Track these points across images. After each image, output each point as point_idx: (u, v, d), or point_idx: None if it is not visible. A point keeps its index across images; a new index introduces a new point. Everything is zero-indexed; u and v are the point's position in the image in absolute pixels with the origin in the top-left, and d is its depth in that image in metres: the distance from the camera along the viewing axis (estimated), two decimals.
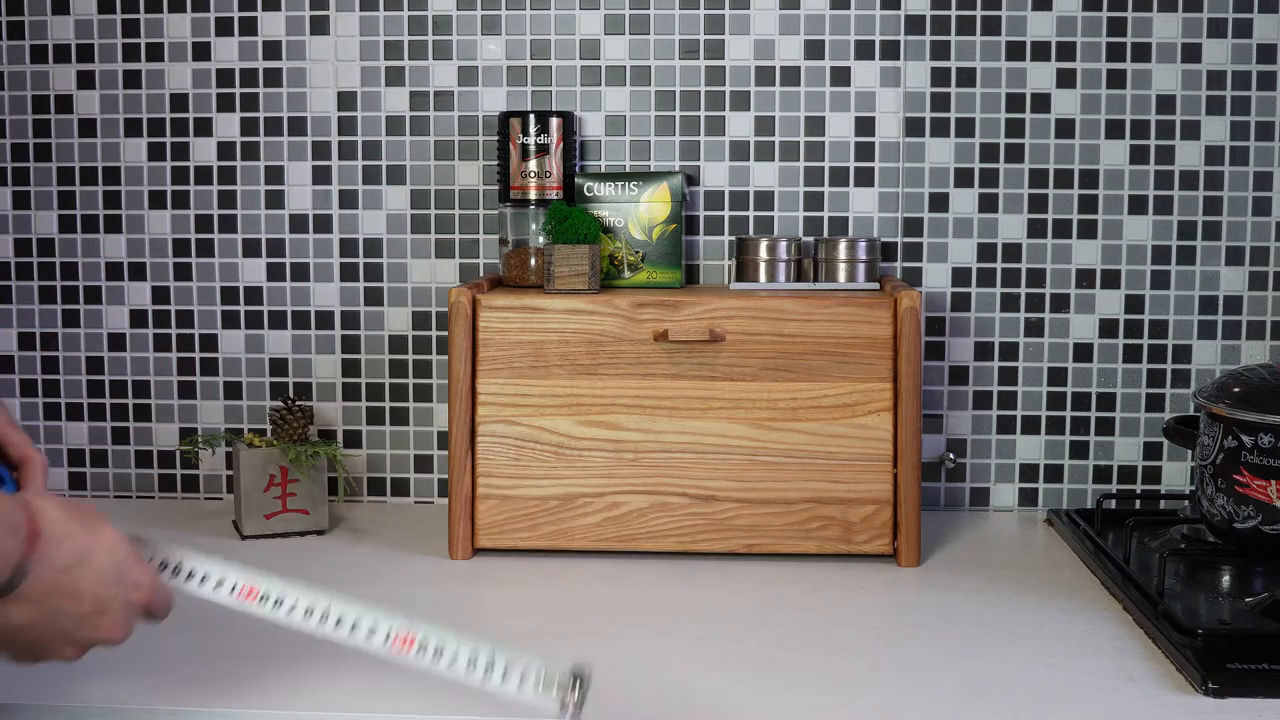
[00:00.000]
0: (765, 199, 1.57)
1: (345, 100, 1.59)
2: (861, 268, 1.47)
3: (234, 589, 0.93)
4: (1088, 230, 1.55)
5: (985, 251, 1.56)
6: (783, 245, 1.47)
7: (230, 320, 1.62)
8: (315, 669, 1.08)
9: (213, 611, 1.21)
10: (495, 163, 1.57)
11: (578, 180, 1.49)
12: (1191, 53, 1.53)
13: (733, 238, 1.57)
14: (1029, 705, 1.01)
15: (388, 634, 0.91)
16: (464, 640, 0.90)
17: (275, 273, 1.61)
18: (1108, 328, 1.56)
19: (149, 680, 1.05)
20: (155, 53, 1.59)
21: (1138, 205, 1.55)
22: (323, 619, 0.92)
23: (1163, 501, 1.55)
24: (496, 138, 1.53)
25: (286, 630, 0.93)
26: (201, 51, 1.59)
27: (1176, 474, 1.58)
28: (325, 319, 1.61)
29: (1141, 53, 1.53)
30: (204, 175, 1.61)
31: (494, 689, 0.88)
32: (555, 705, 0.87)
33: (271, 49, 1.59)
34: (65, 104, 1.61)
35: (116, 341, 1.63)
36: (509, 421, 1.37)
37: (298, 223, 1.61)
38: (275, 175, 1.60)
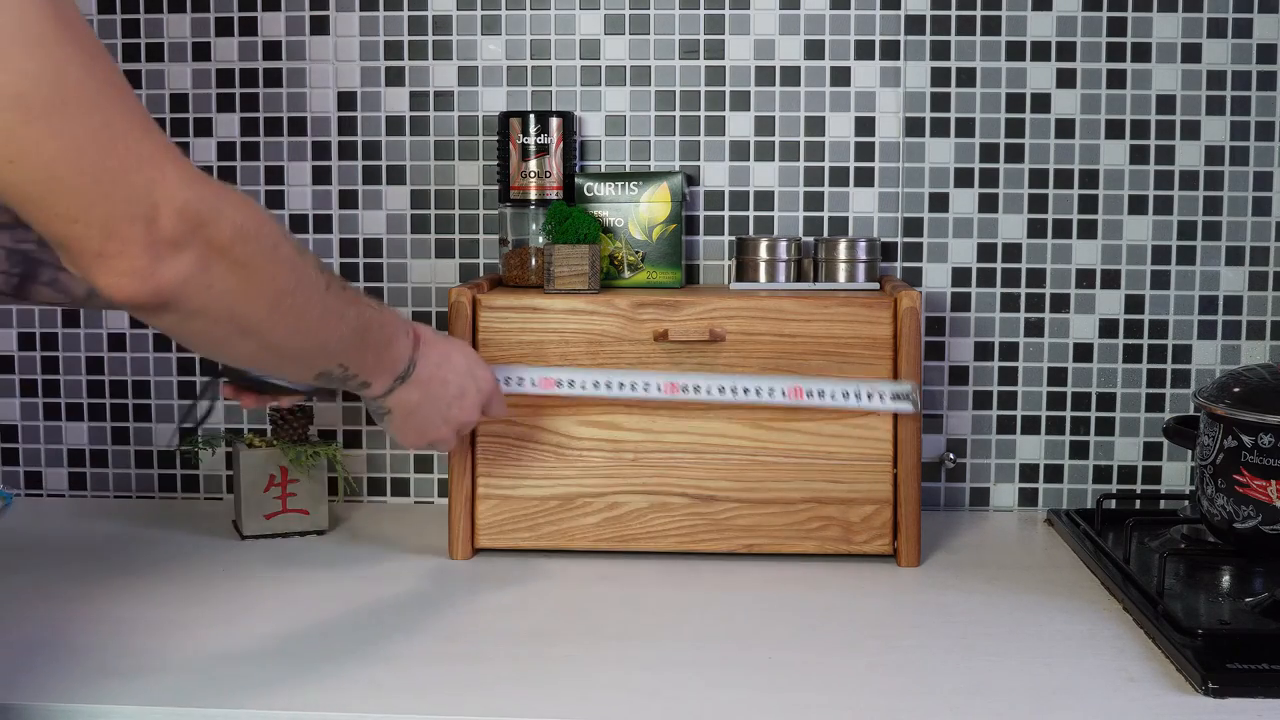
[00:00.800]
0: (765, 199, 1.57)
1: (345, 100, 1.59)
2: (861, 268, 1.46)
3: (534, 383, 1.26)
4: (1088, 230, 1.55)
5: (985, 251, 1.56)
6: (783, 245, 1.47)
7: None
8: (317, 669, 1.08)
9: (212, 613, 1.21)
10: (495, 163, 1.57)
11: (578, 180, 1.49)
12: (1191, 53, 1.53)
13: (733, 238, 1.57)
14: (1029, 705, 1.01)
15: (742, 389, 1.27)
16: (825, 381, 1.27)
17: None
18: (1108, 328, 1.56)
19: (150, 679, 1.05)
20: (155, 53, 1.59)
21: (1138, 205, 1.55)
22: (612, 387, 1.27)
23: (1163, 501, 1.55)
24: (496, 138, 1.53)
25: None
26: (201, 51, 1.59)
27: (1176, 474, 1.58)
28: None
29: (1141, 53, 1.53)
30: None
31: (862, 405, 1.27)
32: (908, 405, 1.28)
33: (271, 49, 1.59)
34: None
35: (116, 341, 1.63)
36: (509, 421, 1.37)
37: (298, 223, 1.61)
38: (275, 175, 1.60)
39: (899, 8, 1.54)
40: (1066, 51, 1.53)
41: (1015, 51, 1.54)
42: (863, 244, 1.47)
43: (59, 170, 0.75)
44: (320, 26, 1.58)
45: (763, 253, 1.47)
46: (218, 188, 0.83)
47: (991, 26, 1.53)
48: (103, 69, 0.78)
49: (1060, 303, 1.56)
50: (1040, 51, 1.53)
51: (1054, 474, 1.58)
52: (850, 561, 1.37)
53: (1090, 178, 1.55)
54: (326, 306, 0.96)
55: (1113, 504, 1.49)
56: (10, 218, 1.12)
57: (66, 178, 0.76)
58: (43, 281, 1.14)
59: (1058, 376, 1.57)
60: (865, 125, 1.56)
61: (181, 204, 0.80)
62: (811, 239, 1.54)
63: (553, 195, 1.48)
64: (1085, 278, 1.56)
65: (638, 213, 1.49)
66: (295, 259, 0.91)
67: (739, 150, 1.57)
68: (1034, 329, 1.57)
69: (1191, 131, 1.54)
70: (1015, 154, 1.55)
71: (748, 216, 1.58)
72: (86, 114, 0.76)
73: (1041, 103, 1.54)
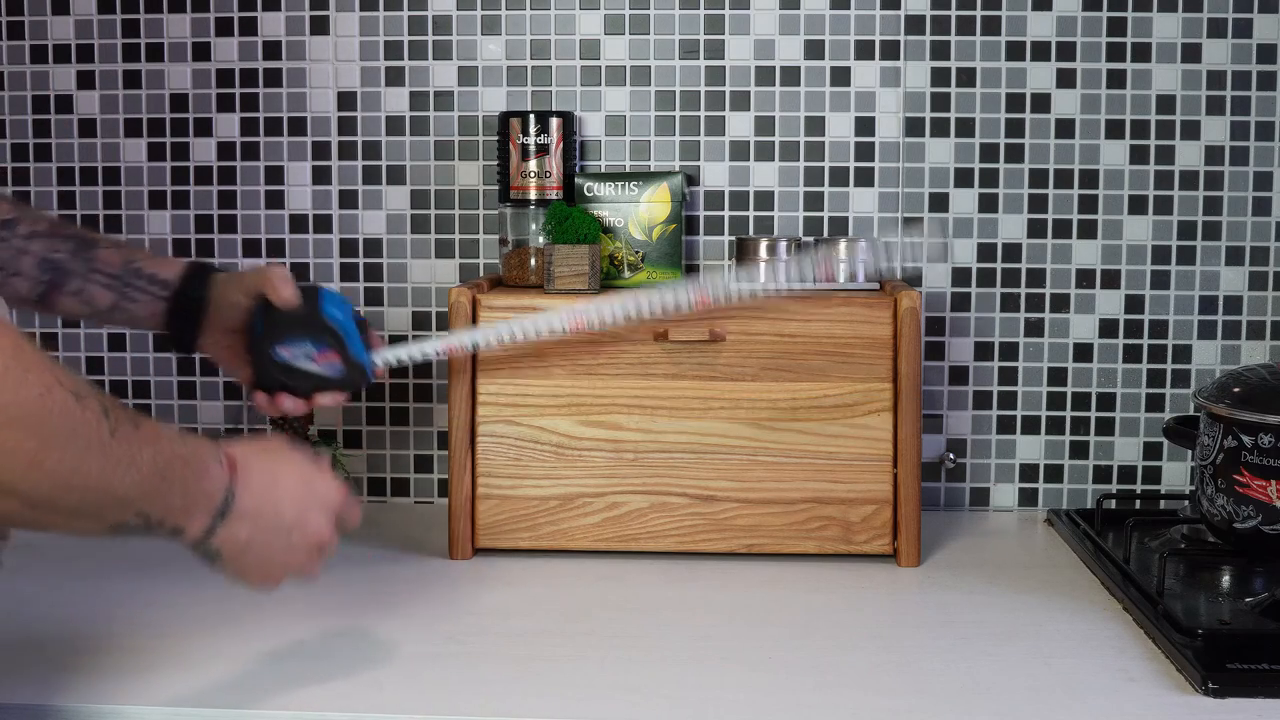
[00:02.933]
0: (765, 199, 1.57)
1: (345, 100, 1.59)
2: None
3: (437, 353, 1.27)
4: (1088, 230, 1.55)
5: (985, 251, 1.56)
6: (783, 245, 1.47)
7: None
8: (317, 669, 1.08)
9: (212, 613, 1.21)
10: (495, 163, 1.57)
11: (578, 180, 1.49)
12: (1191, 53, 1.53)
13: (733, 238, 1.57)
14: (1029, 705, 1.01)
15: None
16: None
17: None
18: (1108, 328, 1.56)
19: (151, 679, 1.05)
20: (155, 53, 1.59)
21: (1138, 205, 1.55)
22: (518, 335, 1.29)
23: (1163, 501, 1.55)
24: (496, 138, 1.53)
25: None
26: (201, 51, 1.59)
27: (1176, 474, 1.58)
28: None
29: (1141, 53, 1.53)
30: (204, 175, 1.61)
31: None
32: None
33: (271, 49, 1.59)
34: (65, 104, 1.61)
35: (117, 342, 1.63)
36: (509, 421, 1.37)
37: (298, 223, 1.61)
38: (275, 175, 1.60)
39: (899, 8, 1.54)
40: (1066, 51, 1.53)
41: (1015, 51, 1.54)
42: (863, 244, 1.46)
43: None
44: (320, 26, 1.58)
45: (763, 253, 1.47)
46: None
47: (991, 26, 1.53)
48: None
49: (1060, 303, 1.56)
50: (1040, 51, 1.53)
51: (1054, 474, 1.58)
52: (850, 561, 1.37)
53: (1090, 178, 1.55)
54: (111, 455, 0.81)
55: (1113, 504, 1.49)
56: (46, 227, 1.12)
57: None
58: (68, 291, 1.13)
59: (1058, 376, 1.57)
60: (865, 125, 1.56)
61: None
62: (811, 239, 1.54)
63: (553, 195, 1.48)
64: (1085, 278, 1.56)
65: (638, 213, 1.49)
66: (69, 406, 0.76)
67: (739, 150, 1.57)
68: (1034, 329, 1.57)
69: (1191, 131, 1.54)
70: (1015, 154, 1.55)
71: (748, 216, 1.58)
72: None
73: (1041, 103, 1.54)
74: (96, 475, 0.80)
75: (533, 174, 1.48)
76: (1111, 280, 1.56)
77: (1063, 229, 1.56)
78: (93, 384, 0.81)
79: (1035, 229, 1.56)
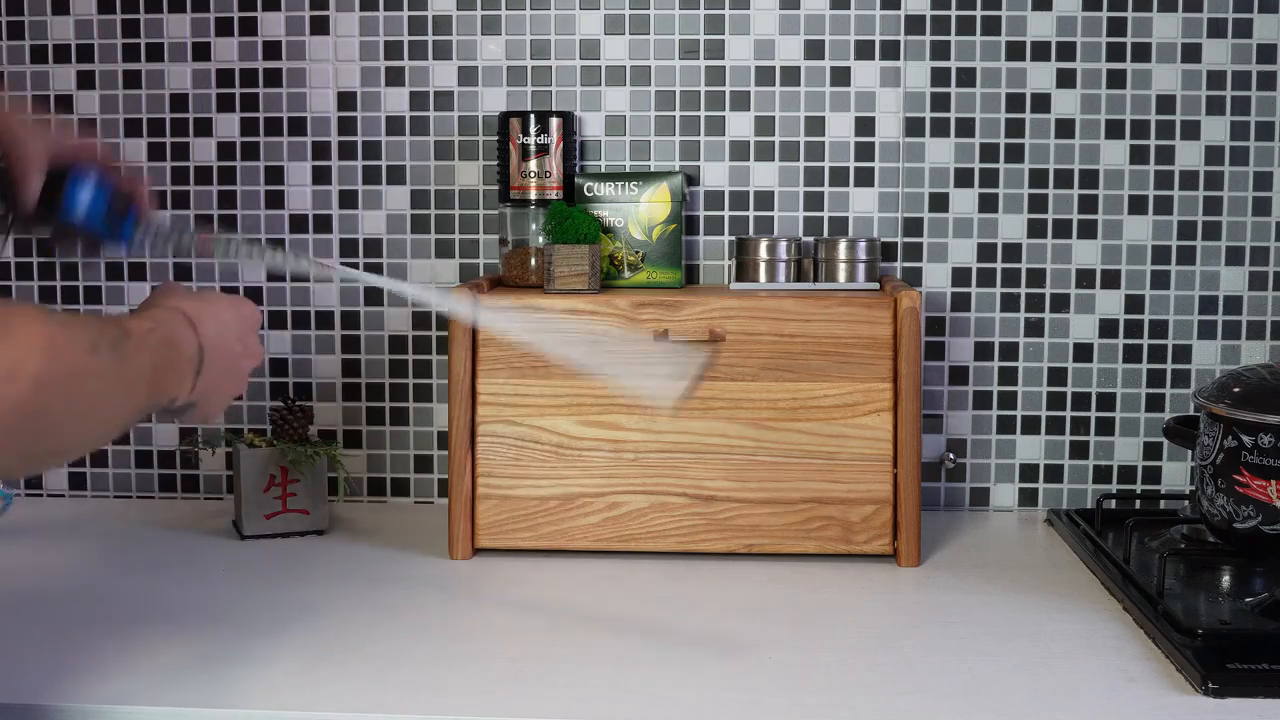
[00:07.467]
0: (765, 199, 1.57)
1: (345, 100, 1.59)
2: (861, 268, 1.47)
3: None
4: (1088, 230, 1.55)
5: (985, 251, 1.56)
6: (783, 245, 1.47)
7: None
8: (317, 669, 1.08)
9: (212, 612, 1.21)
10: (495, 163, 1.57)
11: (578, 180, 1.49)
12: (1191, 53, 1.53)
13: (733, 238, 1.57)
14: (1029, 705, 1.01)
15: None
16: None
17: (276, 272, 1.61)
18: (1108, 328, 1.56)
19: (150, 679, 1.05)
20: (155, 53, 1.59)
21: (1138, 205, 1.55)
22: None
23: (1163, 501, 1.55)
24: (496, 138, 1.53)
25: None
26: (201, 51, 1.59)
27: (1176, 474, 1.58)
28: (325, 319, 1.61)
29: (1141, 53, 1.53)
30: (204, 175, 1.61)
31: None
32: None
33: (271, 49, 1.59)
34: (65, 104, 1.60)
35: None
36: (509, 421, 1.37)
37: (298, 223, 1.61)
38: (275, 175, 1.60)
39: (899, 8, 1.54)
40: (1066, 51, 1.53)
41: (1015, 51, 1.54)
42: (863, 244, 1.47)
43: None
44: (320, 26, 1.58)
45: (763, 253, 1.47)
46: None
47: (991, 26, 1.53)
48: None
49: (1060, 303, 1.56)
50: (1040, 51, 1.53)
51: (1054, 474, 1.58)
52: (850, 561, 1.37)
53: (1090, 178, 1.55)
54: (124, 380, 0.86)
55: (1113, 504, 1.49)
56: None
57: None
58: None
59: (1058, 376, 1.57)
60: (865, 125, 1.56)
61: None
62: (811, 239, 1.54)
63: (553, 195, 1.48)
64: (1085, 278, 1.56)
65: (638, 213, 1.49)
66: (90, 367, 0.80)
67: (739, 150, 1.57)
68: (1034, 329, 1.57)
69: (1191, 131, 1.54)
70: (1015, 154, 1.55)
71: (748, 216, 1.58)
72: None
73: (1041, 103, 1.54)
74: (121, 404, 0.87)
75: (533, 174, 1.48)
76: (1111, 280, 1.56)
77: (1063, 229, 1.56)
78: (85, 316, 0.86)
79: (1035, 229, 1.56)
